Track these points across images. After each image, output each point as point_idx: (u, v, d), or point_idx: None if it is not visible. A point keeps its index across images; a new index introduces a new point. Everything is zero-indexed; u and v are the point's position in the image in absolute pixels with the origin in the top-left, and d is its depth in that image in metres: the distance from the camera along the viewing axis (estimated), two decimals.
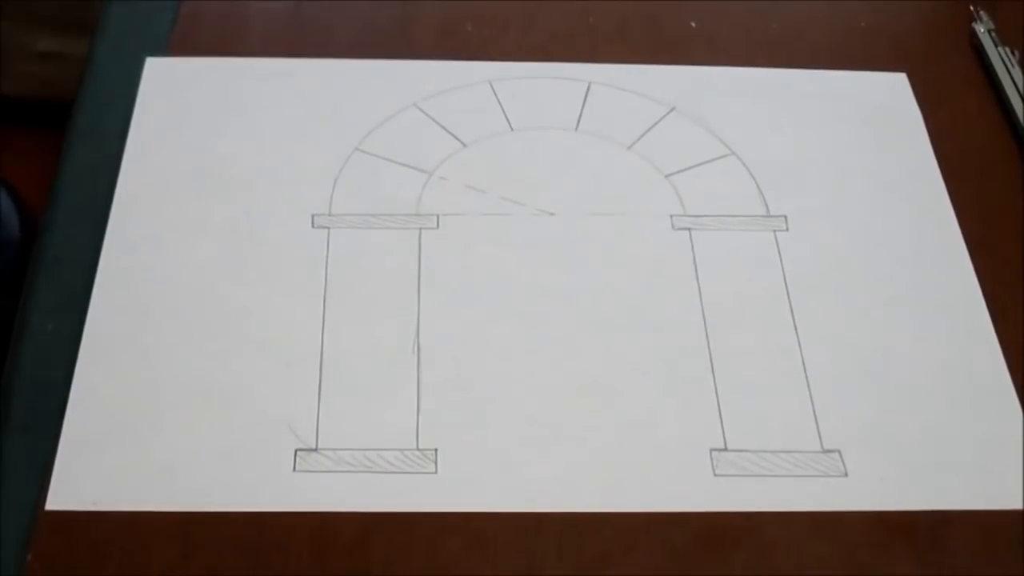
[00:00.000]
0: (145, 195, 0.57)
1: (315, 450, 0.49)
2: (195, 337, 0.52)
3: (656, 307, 0.54)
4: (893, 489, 0.49)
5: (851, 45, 0.67)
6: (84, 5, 1.10)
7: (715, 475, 0.49)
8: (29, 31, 1.23)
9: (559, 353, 0.53)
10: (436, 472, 0.49)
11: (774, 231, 0.58)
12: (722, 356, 0.53)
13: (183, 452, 0.49)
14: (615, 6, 0.68)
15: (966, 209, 0.59)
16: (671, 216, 0.58)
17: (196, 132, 0.60)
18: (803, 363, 0.53)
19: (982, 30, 0.66)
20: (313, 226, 0.57)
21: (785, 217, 0.58)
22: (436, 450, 0.49)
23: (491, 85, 0.63)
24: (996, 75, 0.64)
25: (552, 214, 0.58)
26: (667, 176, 0.60)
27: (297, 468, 0.49)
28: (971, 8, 0.68)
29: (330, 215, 0.57)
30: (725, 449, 0.50)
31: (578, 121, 0.62)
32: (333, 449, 0.49)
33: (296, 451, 0.49)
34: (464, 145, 0.60)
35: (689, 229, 0.57)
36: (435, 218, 0.57)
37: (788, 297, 0.55)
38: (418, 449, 0.49)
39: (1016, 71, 0.64)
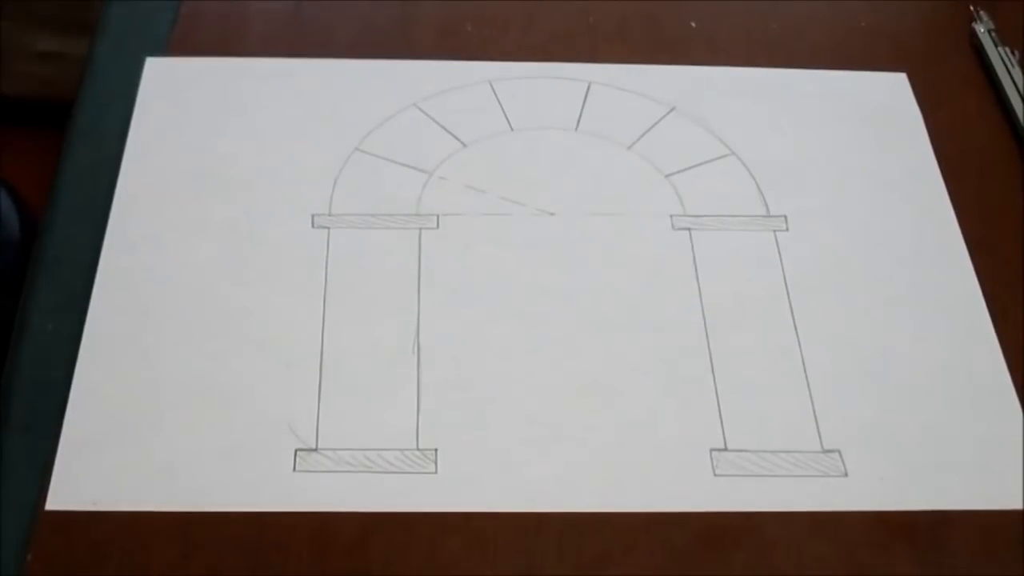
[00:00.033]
0: (145, 195, 0.57)
1: (315, 450, 0.49)
2: (195, 337, 0.52)
3: (656, 307, 0.54)
4: (893, 489, 0.49)
5: (851, 45, 0.67)
6: (84, 5, 1.10)
7: (715, 475, 0.49)
8: (29, 31, 1.23)
9: (559, 353, 0.53)
10: (436, 472, 0.49)
11: (774, 231, 0.58)
12: (722, 356, 0.53)
13: (183, 452, 0.49)
14: (615, 6, 0.68)
15: (966, 209, 0.59)
16: (671, 216, 0.58)
17: (196, 132, 0.60)
18: (803, 363, 0.53)
19: (982, 30, 0.66)
20: (313, 226, 0.57)
21: (785, 217, 0.58)
22: (436, 450, 0.49)
23: (491, 85, 0.63)
24: (996, 75, 0.64)
25: (552, 214, 0.58)
26: (667, 176, 0.60)
27: (297, 468, 0.49)
28: (971, 8, 0.68)
29: (330, 215, 0.57)
30: (725, 449, 0.50)
31: (578, 121, 0.62)
32: (333, 449, 0.49)
33: (296, 451, 0.49)
34: (464, 145, 0.60)
35: (689, 229, 0.57)
36: (435, 218, 0.57)
37: (788, 297, 0.55)
38: (418, 449, 0.49)
39: (1016, 71, 0.64)
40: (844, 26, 0.68)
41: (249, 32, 0.65)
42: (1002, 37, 0.66)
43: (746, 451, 0.50)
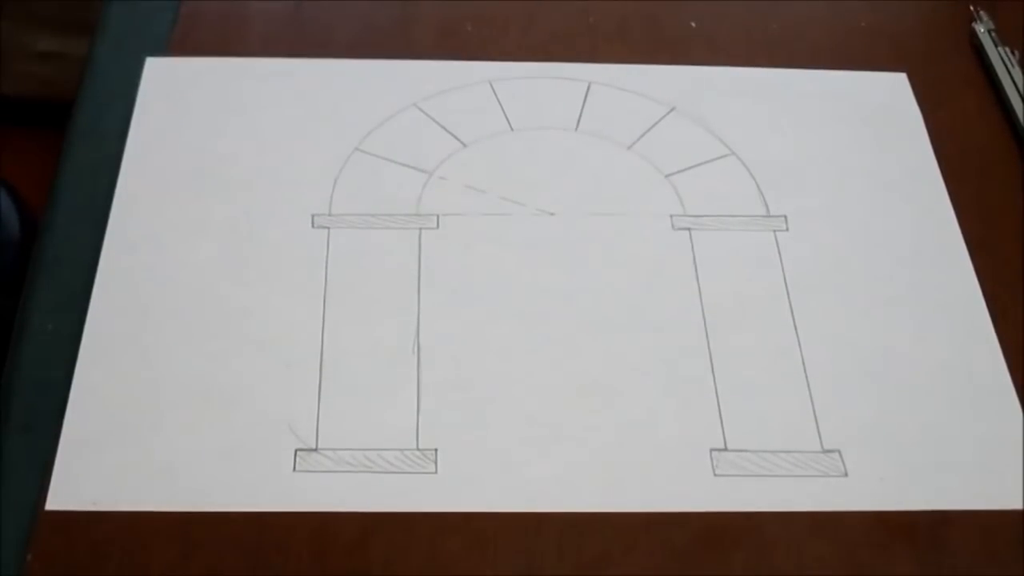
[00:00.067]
0: (145, 195, 0.57)
1: (315, 450, 0.49)
2: (195, 337, 0.52)
3: (656, 307, 0.54)
4: (893, 489, 0.49)
5: (851, 45, 0.67)
6: (84, 5, 1.10)
7: (715, 475, 0.49)
8: (29, 31, 1.23)
9: (559, 353, 0.53)
10: (436, 472, 0.49)
11: (774, 231, 0.58)
12: (722, 356, 0.53)
13: (183, 452, 0.49)
14: (615, 6, 0.68)
15: (966, 209, 0.59)
16: (671, 216, 0.58)
17: (196, 132, 0.60)
18: (803, 363, 0.53)
19: (982, 30, 0.66)
20: (313, 226, 0.57)
21: (785, 217, 0.58)
22: (436, 450, 0.49)
23: (491, 85, 0.63)
24: (996, 75, 0.64)
25: (552, 214, 0.58)
26: (667, 176, 0.60)
27: (297, 468, 0.49)
28: (971, 8, 0.68)
29: (330, 215, 0.57)
30: (725, 449, 0.50)
31: (578, 121, 0.62)
32: (333, 449, 0.49)
33: (296, 451, 0.49)
34: (464, 145, 0.60)
35: (689, 229, 0.57)
36: (435, 218, 0.57)
37: (788, 297, 0.55)
38: (418, 449, 0.49)
39: (1016, 71, 0.64)
40: (844, 26, 0.68)
41: (249, 32, 0.65)
42: (1002, 37, 0.66)
43: (746, 451, 0.50)
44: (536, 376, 0.52)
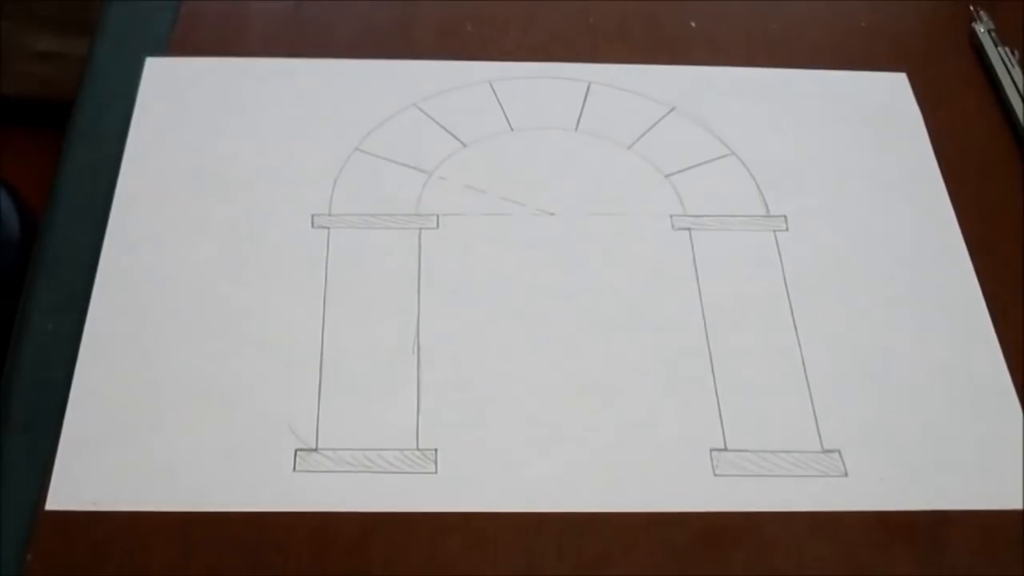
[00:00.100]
0: (145, 195, 0.57)
1: (315, 450, 0.49)
2: (195, 337, 0.52)
3: (656, 307, 0.54)
4: (893, 489, 0.49)
5: (851, 45, 0.67)
6: (84, 5, 1.10)
7: (715, 475, 0.49)
8: (29, 31, 1.23)
9: (559, 353, 0.53)
10: (436, 472, 0.49)
11: (774, 231, 0.58)
12: (722, 356, 0.53)
13: (183, 452, 0.49)
14: (615, 6, 0.68)
15: (966, 209, 0.59)
16: (671, 216, 0.58)
17: (196, 132, 0.60)
18: (803, 363, 0.53)
19: (982, 30, 0.66)
20: (313, 226, 0.57)
21: (785, 217, 0.58)
22: (436, 450, 0.49)
23: (491, 85, 0.63)
24: (996, 75, 0.64)
25: (552, 214, 0.58)
26: (667, 176, 0.60)
27: (297, 468, 0.49)
28: (971, 8, 0.68)
29: (330, 215, 0.57)
30: (725, 449, 0.50)
31: (578, 121, 0.62)
32: (333, 449, 0.49)
33: (296, 451, 0.49)
34: (464, 145, 0.60)
35: (689, 229, 0.57)
36: (435, 218, 0.57)
37: (788, 297, 0.55)
38: (418, 449, 0.49)
39: (1016, 71, 0.64)
40: (844, 26, 0.68)
41: (249, 32, 0.65)
42: (1002, 37, 0.66)
43: (746, 451, 0.50)
44: (536, 376, 0.52)
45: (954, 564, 0.47)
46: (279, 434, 0.49)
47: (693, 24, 0.67)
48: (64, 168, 0.59)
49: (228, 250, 0.55)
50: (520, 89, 0.63)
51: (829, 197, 0.59)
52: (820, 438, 0.50)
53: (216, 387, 0.51)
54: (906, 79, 0.65)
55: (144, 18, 0.65)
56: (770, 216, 0.58)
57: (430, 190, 0.58)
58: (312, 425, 0.50)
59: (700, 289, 0.55)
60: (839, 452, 0.50)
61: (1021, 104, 0.63)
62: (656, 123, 0.62)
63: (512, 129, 0.61)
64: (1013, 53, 0.65)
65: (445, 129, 0.61)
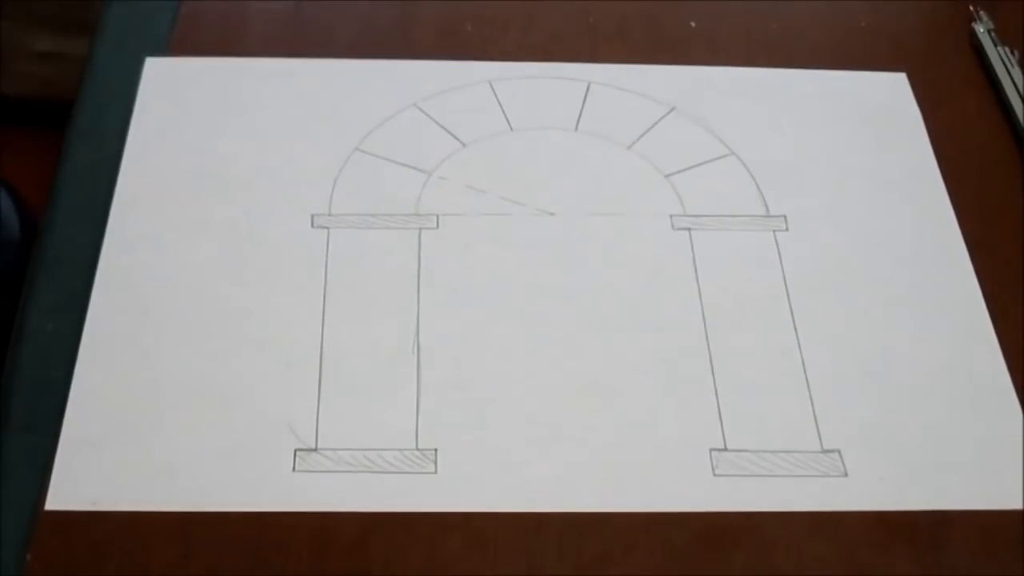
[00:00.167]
0: (145, 195, 0.57)
1: (315, 450, 0.49)
2: (195, 337, 0.52)
3: (656, 307, 0.54)
4: (893, 489, 0.49)
5: (851, 45, 0.67)
6: (84, 5, 1.10)
7: (715, 475, 0.49)
8: (29, 31, 1.23)
9: (559, 353, 0.53)
10: (436, 472, 0.49)
11: (774, 231, 0.58)
12: (722, 356, 0.53)
13: (183, 452, 0.49)
14: (615, 6, 0.68)
15: (966, 209, 0.59)
16: (671, 216, 0.58)
17: (196, 132, 0.60)
18: (803, 363, 0.53)
19: (982, 30, 0.66)
20: (313, 226, 0.57)
21: (785, 217, 0.58)
22: (436, 450, 0.49)
23: (491, 85, 0.63)
24: (996, 75, 0.64)
25: (552, 214, 0.58)
26: (667, 176, 0.60)
27: (297, 468, 0.49)
28: (971, 8, 0.68)
29: (330, 215, 0.57)
30: (725, 449, 0.50)
31: (578, 121, 0.62)
32: (333, 449, 0.49)
33: (296, 451, 0.49)
34: (464, 145, 0.60)
35: (689, 229, 0.57)
36: (435, 218, 0.57)
37: (788, 297, 0.55)
38: (418, 449, 0.49)
39: (1016, 71, 0.64)
40: (844, 26, 0.68)
41: (249, 32, 0.65)
42: (1002, 37, 0.66)
43: (746, 451, 0.50)
44: (536, 376, 0.52)
45: (954, 564, 0.47)
46: (279, 434, 0.49)
47: (693, 24, 0.67)
48: (64, 168, 0.59)
49: (228, 250, 0.55)
50: (520, 89, 0.63)
51: (829, 197, 0.59)
52: (820, 438, 0.50)
53: (216, 387, 0.51)
54: (906, 79, 0.65)
55: (144, 18, 0.65)
56: (770, 216, 0.58)
57: (430, 190, 0.58)
58: (312, 425, 0.50)
59: (700, 289, 0.55)
60: (839, 452, 0.50)
61: (1021, 104, 0.63)
62: (656, 123, 0.62)
63: (512, 129, 0.61)
64: (1013, 53, 0.65)
65: (445, 129, 0.61)
